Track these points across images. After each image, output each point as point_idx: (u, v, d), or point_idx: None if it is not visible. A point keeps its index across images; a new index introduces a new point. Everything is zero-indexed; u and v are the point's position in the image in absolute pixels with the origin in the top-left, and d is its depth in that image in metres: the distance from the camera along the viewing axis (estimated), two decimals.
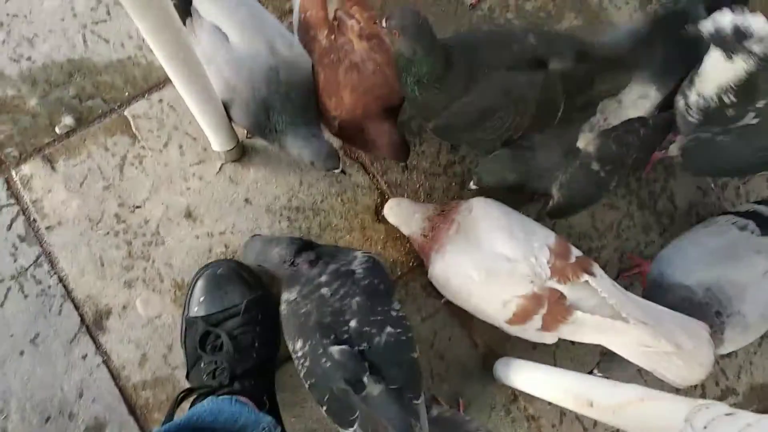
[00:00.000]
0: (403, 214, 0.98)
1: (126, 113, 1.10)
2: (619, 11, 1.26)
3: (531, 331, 0.88)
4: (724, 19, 0.79)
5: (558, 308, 0.84)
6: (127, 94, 1.11)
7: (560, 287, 0.85)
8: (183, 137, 1.10)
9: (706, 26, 0.80)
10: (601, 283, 0.85)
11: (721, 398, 1.08)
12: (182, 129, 1.10)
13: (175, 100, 1.10)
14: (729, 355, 1.10)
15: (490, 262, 0.86)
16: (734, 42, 0.79)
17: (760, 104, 0.85)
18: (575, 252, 0.88)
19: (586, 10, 1.26)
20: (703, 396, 1.07)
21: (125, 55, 1.13)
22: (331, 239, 1.08)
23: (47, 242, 1.04)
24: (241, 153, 1.09)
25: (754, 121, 0.86)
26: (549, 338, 0.88)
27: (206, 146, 1.09)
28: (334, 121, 0.93)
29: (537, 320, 0.85)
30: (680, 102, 0.91)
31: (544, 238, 0.88)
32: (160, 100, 1.11)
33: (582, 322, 0.84)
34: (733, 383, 1.09)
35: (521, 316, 0.85)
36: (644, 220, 1.15)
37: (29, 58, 1.11)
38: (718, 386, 1.08)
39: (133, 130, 1.10)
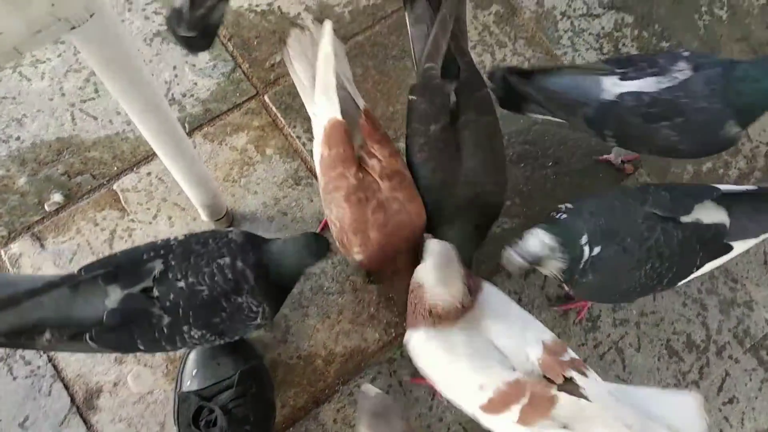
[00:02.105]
0: (445, 271, 0.78)
1: (115, 187, 1.11)
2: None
3: (504, 424, 0.78)
4: (512, 255, 0.87)
5: (540, 400, 0.74)
6: (115, 168, 1.12)
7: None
8: (172, 208, 1.11)
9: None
10: (588, 383, 0.76)
11: None
12: (171, 200, 1.11)
13: (163, 172, 1.11)
14: (731, 401, 1.08)
15: (483, 348, 0.79)
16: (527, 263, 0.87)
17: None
18: (571, 353, 0.81)
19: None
20: None
21: (113, 131, 1.14)
22: (322, 303, 1.08)
23: None
24: (230, 221, 1.09)
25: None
26: None
27: (195, 216, 1.09)
28: (358, 257, 0.93)
29: (515, 411, 0.75)
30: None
31: (540, 333, 0.82)
32: (149, 173, 1.12)
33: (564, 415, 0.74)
34: (737, 430, 1.07)
35: (497, 404, 0.76)
36: None
37: (18, 138, 1.12)
38: None
39: (122, 203, 1.10)
